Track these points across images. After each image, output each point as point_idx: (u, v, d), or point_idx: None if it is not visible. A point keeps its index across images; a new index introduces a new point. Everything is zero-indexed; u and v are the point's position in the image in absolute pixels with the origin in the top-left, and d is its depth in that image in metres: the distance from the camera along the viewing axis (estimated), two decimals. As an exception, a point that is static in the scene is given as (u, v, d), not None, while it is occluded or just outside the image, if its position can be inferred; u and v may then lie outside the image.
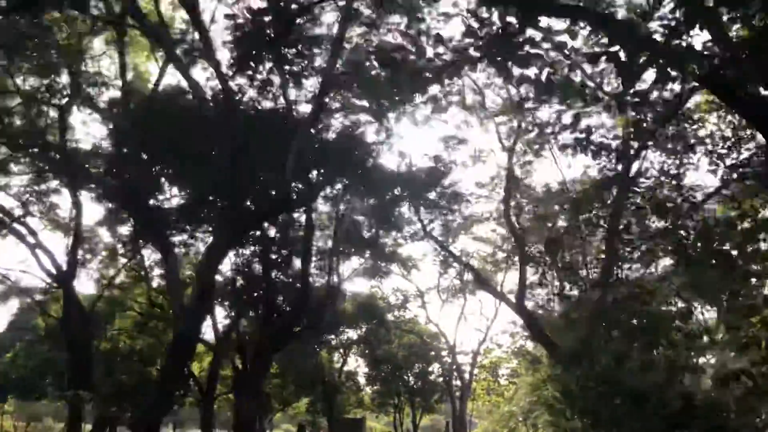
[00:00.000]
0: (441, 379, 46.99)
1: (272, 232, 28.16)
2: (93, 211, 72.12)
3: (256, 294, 27.54)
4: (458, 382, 45.45)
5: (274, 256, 28.17)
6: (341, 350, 46.28)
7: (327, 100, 22.31)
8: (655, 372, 16.00)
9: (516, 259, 36.14)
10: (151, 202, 23.19)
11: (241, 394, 25.68)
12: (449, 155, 29.31)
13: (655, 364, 15.92)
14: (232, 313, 31.16)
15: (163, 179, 23.14)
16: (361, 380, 48.56)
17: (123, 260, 33.56)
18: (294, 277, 27.85)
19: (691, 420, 14.10)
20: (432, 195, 28.65)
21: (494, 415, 57.05)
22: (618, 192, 22.27)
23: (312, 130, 22.29)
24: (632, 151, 21.19)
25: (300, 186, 23.69)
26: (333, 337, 43.40)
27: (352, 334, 44.44)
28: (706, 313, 16.49)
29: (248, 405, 24.02)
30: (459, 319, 45.78)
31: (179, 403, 44.35)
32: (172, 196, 23.94)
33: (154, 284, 33.82)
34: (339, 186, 26.49)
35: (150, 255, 31.38)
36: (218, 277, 33.42)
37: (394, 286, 46.22)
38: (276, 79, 21.76)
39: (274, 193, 20.71)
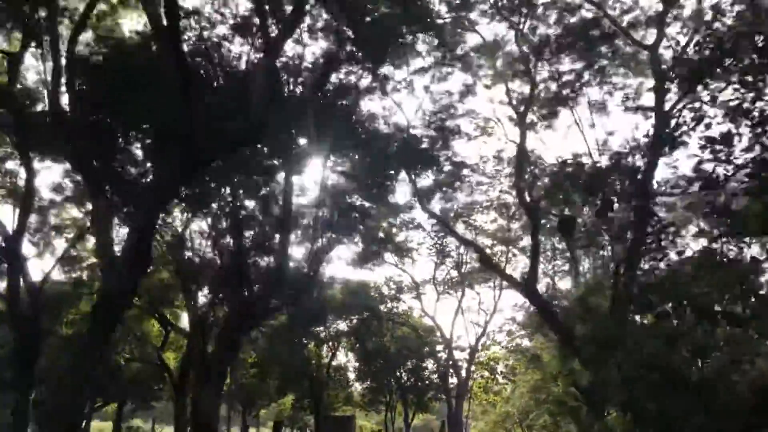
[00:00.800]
0: (436, 376, 43.63)
1: (251, 204, 24.88)
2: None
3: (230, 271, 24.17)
4: (454, 380, 42.14)
5: (250, 232, 24.85)
6: (330, 343, 42.88)
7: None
8: (717, 357, 12.76)
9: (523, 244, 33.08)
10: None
11: (200, 382, 22.06)
12: (452, 122, 26.07)
13: (716, 346, 12.71)
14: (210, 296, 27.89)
15: (121, 139, 19.75)
16: (351, 376, 45.16)
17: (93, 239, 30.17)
18: (271, 251, 24.52)
19: None
20: (432, 165, 25.27)
21: (490, 415, 53.95)
22: (649, 161, 19.08)
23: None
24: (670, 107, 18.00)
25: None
26: (321, 329, 40.14)
27: (342, 326, 41.08)
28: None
29: (207, 393, 20.42)
30: (456, 312, 42.67)
31: (155, 397, 41.07)
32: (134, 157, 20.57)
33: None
34: (324, 145, 23.05)
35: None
36: (196, 258, 30.47)
37: (387, 275, 42.82)
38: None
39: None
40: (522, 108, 23.33)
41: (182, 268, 26.91)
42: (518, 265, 39.94)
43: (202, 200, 22.52)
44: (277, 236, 23.71)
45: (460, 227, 32.78)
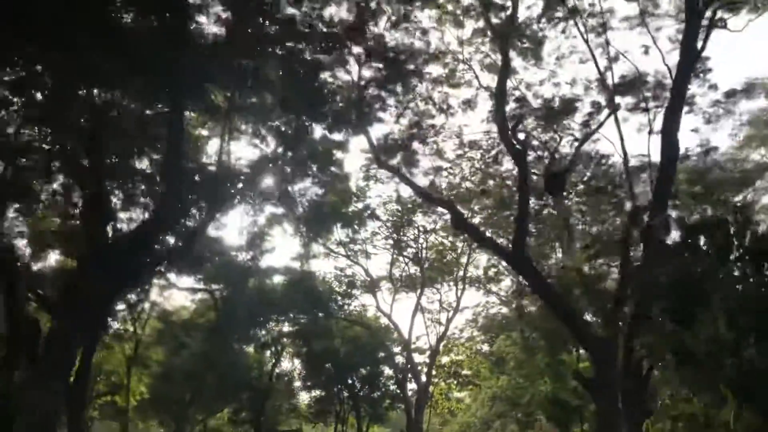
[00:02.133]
0: (393, 381, 37.74)
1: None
2: None
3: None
4: (413, 385, 36.37)
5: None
6: (274, 348, 36.52)
7: None
8: None
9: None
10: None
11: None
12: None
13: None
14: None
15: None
16: (297, 384, 38.79)
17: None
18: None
19: None
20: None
21: (451, 425, 48.33)
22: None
23: None
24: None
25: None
26: (262, 331, 33.88)
27: (287, 327, 34.89)
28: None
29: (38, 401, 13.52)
30: (415, 310, 37.05)
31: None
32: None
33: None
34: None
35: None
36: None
37: (336, 266, 36.83)
38: None
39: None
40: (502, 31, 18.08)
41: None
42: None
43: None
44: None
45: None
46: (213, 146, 24.28)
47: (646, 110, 16.57)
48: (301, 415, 39.69)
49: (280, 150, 24.38)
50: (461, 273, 38.13)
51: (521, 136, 17.42)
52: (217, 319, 29.48)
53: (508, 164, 34.46)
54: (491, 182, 35.42)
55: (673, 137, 14.14)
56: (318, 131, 25.25)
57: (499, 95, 17.26)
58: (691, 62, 14.49)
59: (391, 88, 19.66)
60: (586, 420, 22.75)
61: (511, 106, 18.60)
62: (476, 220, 37.53)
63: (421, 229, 37.15)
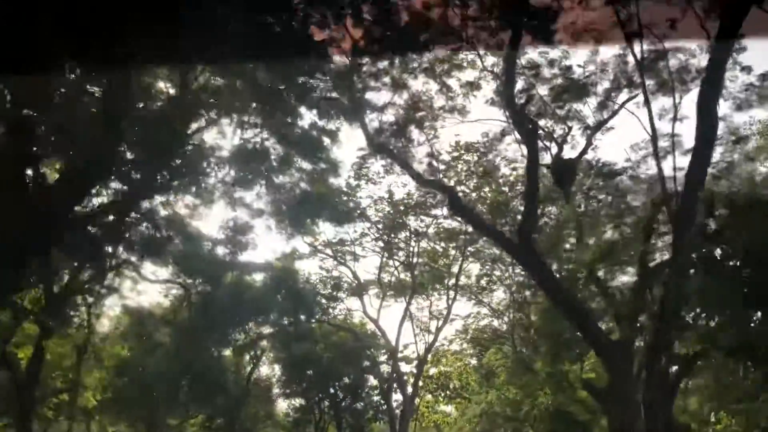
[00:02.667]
0: (377, 392, 35.34)
1: None
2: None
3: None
4: (399, 396, 34.02)
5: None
6: (253, 352, 34.06)
7: None
8: None
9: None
10: None
11: None
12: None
13: None
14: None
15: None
16: (276, 391, 36.29)
17: None
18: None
19: None
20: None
21: (437, 441, 45.79)
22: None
23: None
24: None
25: None
26: (240, 333, 31.43)
27: (267, 329, 32.45)
28: None
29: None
30: (403, 317, 34.80)
31: None
32: None
33: None
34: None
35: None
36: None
37: (322, 266, 34.50)
38: None
39: None
40: None
41: None
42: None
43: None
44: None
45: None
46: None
47: (672, 89, 14.61)
48: (279, 424, 37.12)
49: (263, 133, 22.36)
50: (453, 281, 35.99)
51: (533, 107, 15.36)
52: (190, 316, 27.09)
53: (504, 169, 33.03)
54: (487, 189, 33.75)
55: (712, 113, 12.16)
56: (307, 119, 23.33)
57: (509, 65, 15.21)
58: (734, 28, 12.51)
59: (389, 57, 17.56)
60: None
61: (519, 86, 16.59)
62: (470, 228, 35.88)
63: (413, 231, 35.09)
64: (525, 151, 18.65)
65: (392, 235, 35.29)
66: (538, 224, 16.06)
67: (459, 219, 22.67)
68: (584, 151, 17.27)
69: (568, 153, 17.71)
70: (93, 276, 20.67)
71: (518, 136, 16.78)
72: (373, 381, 36.01)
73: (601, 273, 14.45)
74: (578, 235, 15.87)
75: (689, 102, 15.36)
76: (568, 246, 16.54)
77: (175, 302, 28.93)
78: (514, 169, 32.38)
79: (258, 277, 29.26)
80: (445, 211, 35.83)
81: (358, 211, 33.13)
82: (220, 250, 26.76)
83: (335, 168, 24.15)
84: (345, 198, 31.20)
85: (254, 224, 27.31)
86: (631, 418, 12.82)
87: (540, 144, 17.72)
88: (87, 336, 22.84)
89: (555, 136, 18.95)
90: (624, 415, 12.77)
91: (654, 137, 14.06)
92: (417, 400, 35.70)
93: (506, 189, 32.09)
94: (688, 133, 15.56)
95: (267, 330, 32.13)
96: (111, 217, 17.88)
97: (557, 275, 14.65)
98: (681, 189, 12.27)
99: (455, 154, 31.72)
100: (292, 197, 25.25)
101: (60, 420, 27.72)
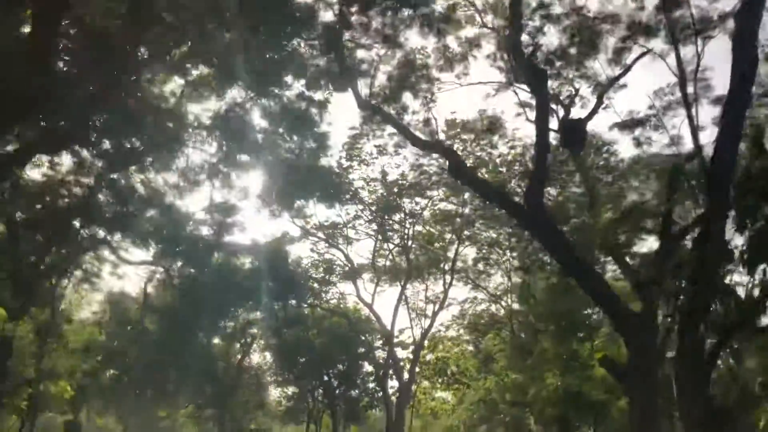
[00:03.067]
0: (372, 378, 33.89)
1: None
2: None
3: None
4: (395, 383, 32.58)
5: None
6: (243, 339, 32.51)
7: None
8: None
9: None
10: None
11: None
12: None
13: None
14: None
15: None
16: (268, 379, 34.74)
17: None
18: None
19: None
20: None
21: (435, 429, 44.49)
22: None
23: None
24: None
25: None
26: (229, 320, 29.82)
27: (258, 314, 30.84)
28: None
29: None
30: (399, 300, 33.30)
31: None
32: None
33: None
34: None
35: None
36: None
37: (314, 249, 32.89)
38: None
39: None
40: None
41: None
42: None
43: None
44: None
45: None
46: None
47: (696, 34, 13.02)
48: (271, 413, 35.64)
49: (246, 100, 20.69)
50: (449, 265, 34.53)
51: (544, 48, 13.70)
52: (174, 301, 25.49)
53: (503, 147, 31.48)
54: (484, 169, 32.23)
55: (752, 43, 10.58)
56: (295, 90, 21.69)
57: (515, 5, 13.53)
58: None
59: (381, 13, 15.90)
60: (608, 418, 19.04)
61: (524, 39, 14.96)
62: (466, 210, 34.39)
63: (408, 213, 33.57)
64: (529, 114, 17.22)
65: (386, 218, 33.79)
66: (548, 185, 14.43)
67: (460, 184, 20.68)
68: (595, 110, 15.77)
69: (578, 114, 16.26)
70: (64, 255, 18.99)
71: (521, 94, 15.20)
72: (368, 367, 34.63)
73: (618, 238, 12.91)
74: (591, 198, 14.34)
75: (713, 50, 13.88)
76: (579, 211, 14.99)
77: (158, 287, 27.24)
78: (512, 147, 31.19)
79: (246, 260, 27.63)
80: (441, 193, 34.71)
81: (351, 192, 31.66)
82: (205, 231, 25.17)
83: (325, 142, 22.55)
84: (336, 178, 29.74)
85: (241, 204, 25.80)
86: (653, 396, 11.40)
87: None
88: (59, 320, 20.95)
89: (562, 97, 17.43)
90: (646, 393, 11.35)
91: (682, 78, 12.49)
92: (414, 387, 34.25)
93: (503, 169, 30.89)
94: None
95: (257, 315, 30.53)
96: (77, 189, 16.25)
97: (570, 241, 13.09)
98: (715, 138, 10.76)
99: (451, 132, 30.50)
100: (280, 175, 23.72)
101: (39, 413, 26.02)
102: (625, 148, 32.19)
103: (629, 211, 12.82)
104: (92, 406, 33.87)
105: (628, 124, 13.94)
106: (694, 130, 11.84)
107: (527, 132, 38.61)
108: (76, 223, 17.90)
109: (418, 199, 33.38)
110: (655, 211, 12.23)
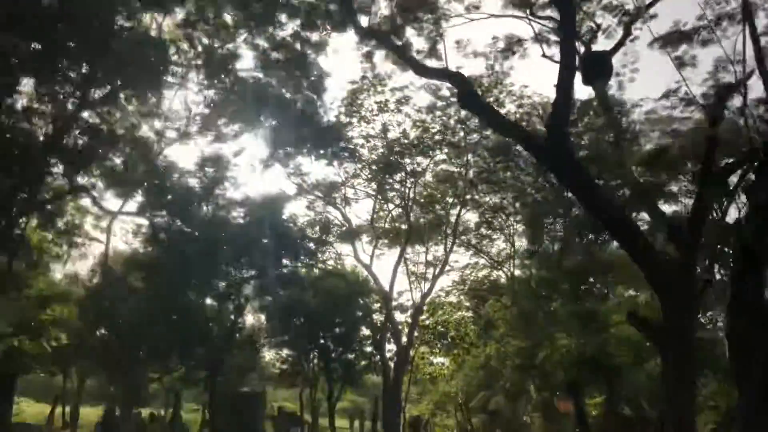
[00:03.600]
0: (370, 342, 32.56)
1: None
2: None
3: None
4: (393, 346, 31.26)
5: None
6: (235, 299, 30.88)
7: None
8: None
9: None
10: None
11: None
12: None
13: None
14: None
15: None
16: (262, 342, 33.33)
17: None
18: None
19: None
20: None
21: (432, 395, 43.43)
22: None
23: None
24: None
25: None
26: (221, 281, 28.16)
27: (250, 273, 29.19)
28: None
29: None
30: (398, 261, 31.81)
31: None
32: None
33: None
34: None
35: None
36: None
37: (310, 206, 31.27)
38: None
39: None
40: None
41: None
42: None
43: None
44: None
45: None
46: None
47: None
48: (265, 377, 34.31)
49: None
50: (450, 229, 32.97)
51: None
52: (160, 257, 23.84)
53: (510, 106, 29.64)
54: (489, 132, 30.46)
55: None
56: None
57: None
58: None
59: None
60: (623, 382, 17.55)
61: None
62: (470, 174, 32.66)
63: (409, 172, 31.86)
64: (546, 49, 15.38)
65: (386, 176, 32.10)
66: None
67: (471, 112, 18.53)
68: (622, 42, 13.91)
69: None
70: (28, 199, 17.16)
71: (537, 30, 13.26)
72: (365, 331, 33.25)
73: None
74: (616, 137, 12.58)
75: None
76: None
77: (144, 242, 25.57)
78: (519, 106, 29.39)
79: (237, 215, 25.92)
80: (444, 155, 32.94)
81: (350, 150, 29.95)
82: (194, 183, 23.40)
83: (321, 87, 20.76)
84: (335, 129, 27.99)
85: (230, 155, 24.08)
86: (691, 356, 9.87)
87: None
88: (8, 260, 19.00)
89: (582, 32, 15.52)
90: (683, 352, 9.80)
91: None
92: (412, 351, 32.95)
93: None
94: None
95: (251, 274, 28.88)
96: (41, 121, 14.48)
97: (595, 182, 11.36)
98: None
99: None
100: (273, 125, 21.99)
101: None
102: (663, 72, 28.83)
103: (662, 149, 11.08)
104: (82, 366, 32.59)
105: (671, 39, 12.08)
106: (757, 42, 9.96)
107: (535, 89, 36.80)
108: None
109: (419, 159, 31.82)
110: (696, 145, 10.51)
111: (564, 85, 10.44)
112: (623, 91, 17.81)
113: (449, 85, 18.21)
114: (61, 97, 14.84)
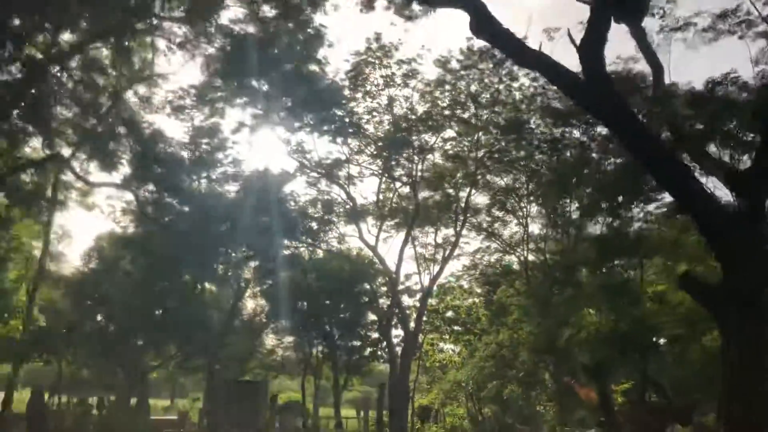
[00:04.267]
0: (376, 328, 30.70)
1: None
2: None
3: None
4: (400, 332, 29.37)
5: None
6: (234, 283, 29.12)
7: None
8: None
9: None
10: None
11: None
12: None
13: None
14: None
15: None
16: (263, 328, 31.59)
17: None
18: None
19: None
20: None
21: (442, 384, 41.57)
22: None
23: None
24: None
25: None
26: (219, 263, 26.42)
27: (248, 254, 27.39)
28: None
29: None
30: (405, 242, 29.81)
31: None
32: None
33: None
34: None
35: None
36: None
37: (310, 181, 29.33)
38: None
39: None
40: None
41: None
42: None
43: None
44: None
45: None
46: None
47: None
48: (266, 364, 32.55)
49: None
50: (460, 209, 31.01)
51: None
52: (150, 236, 22.08)
53: (523, 79, 27.65)
54: (498, 108, 28.77)
55: None
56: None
57: None
58: None
59: None
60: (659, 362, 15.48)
61: None
62: (480, 153, 30.71)
63: (416, 149, 29.89)
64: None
65: (392, 153, 30.14)
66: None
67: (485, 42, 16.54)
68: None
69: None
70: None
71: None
72: (371, 317, 31.39)
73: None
74: (656, 77, 10.55)
75: None
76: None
77: (132, 218, 23.76)
78: (534, 79, 27.42)
79: (232, 189, 24.07)
80: (451, 132, 30.97)
81: (355, 126, 28.20)
82: (184, 155, 21.52)
83: (319, 36, 18.77)
84: (338, 106, 26.23)
85: (225, 125, 22.18)
86: (761, 327, 7.88)
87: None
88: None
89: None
90: (750, 323, 7.83)
91: None
92: (420, 338, 31.04)
93: (524, 106, 27.57)
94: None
95: (250, 254, 27.07)
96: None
97: (637, 117, 9.31)
98: None
99: (467, 62, 27.31)
100: (265, 86, 20.08)
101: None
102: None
103: (716, 82, 9.08)
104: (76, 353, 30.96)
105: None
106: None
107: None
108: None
109: (427, 137, 29.92)
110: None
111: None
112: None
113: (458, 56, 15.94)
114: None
